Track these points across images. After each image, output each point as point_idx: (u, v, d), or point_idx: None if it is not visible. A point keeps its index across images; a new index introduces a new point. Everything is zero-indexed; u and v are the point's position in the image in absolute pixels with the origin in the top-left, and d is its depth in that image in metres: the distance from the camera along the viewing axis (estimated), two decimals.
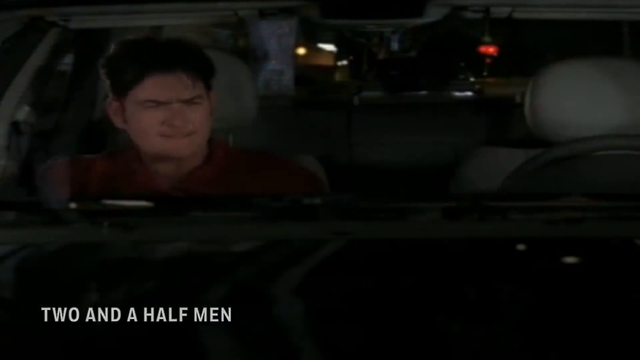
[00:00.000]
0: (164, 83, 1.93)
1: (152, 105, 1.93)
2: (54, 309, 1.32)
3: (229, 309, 1.31)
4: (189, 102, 1.94)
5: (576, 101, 2.18)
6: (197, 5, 2.36)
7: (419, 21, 2.35)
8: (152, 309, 1.31)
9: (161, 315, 1.29)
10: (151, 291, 1.40)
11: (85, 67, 3.10)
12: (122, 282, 1.42)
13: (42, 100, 2.75)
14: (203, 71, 1.99)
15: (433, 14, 2.25)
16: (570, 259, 1.52)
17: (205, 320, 1.28)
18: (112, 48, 2.01)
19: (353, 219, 1.64)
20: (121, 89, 1.97)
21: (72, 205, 1.71)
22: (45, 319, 1.29)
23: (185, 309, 1.29)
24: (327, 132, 3.69)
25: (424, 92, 6.31)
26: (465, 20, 2.46)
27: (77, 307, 1.34)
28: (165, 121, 1.92)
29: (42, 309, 1.32)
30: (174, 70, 1.94)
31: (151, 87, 1.93)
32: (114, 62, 1.99)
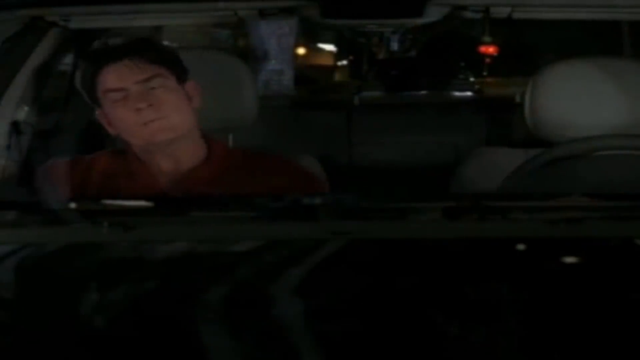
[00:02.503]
0: (115, 71, 1.97)
1: (115, 98, 1.96)
2: (54, 309, 1.33)
3: (229, 308, 1.31)
4: (146, 82, 1.96)
5: (576, 101, 2.18)
6: (197, 5, 2.36)
7: (419, 21, 2.34)
8: (152, 309, 1.32)
9: (161, 315, 1.29)
10: (151, 291, 1.40)
11: None
12: (122, 282, 1.42)
13: (42, 100, 2.75)
14: (159, 59, 2.00)
15: (433, 14, 2.25)
16: (570, 259, 1.52)
17: (206, 320, 1.28)
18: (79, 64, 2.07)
19: (353, 219, 1.64)
20: (93, 95, 2.02)
21: (72, 205, 1.71)
22: (45, 319, 1.29)
23: (186, 309, 1.29)
24: (327, 132, 3.69)
25: (424, 92, 6.30)
26: (465, 20, 2.45)
27: (77, 307, 1.34)
28: (132, 108, 1.95)
29: (42, 309, 1.32)
30: (122, 58, 1.98)
31: (105, 78, 1.98)
32: (81, 74, 2.05)
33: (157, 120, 1.95)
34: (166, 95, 1.97)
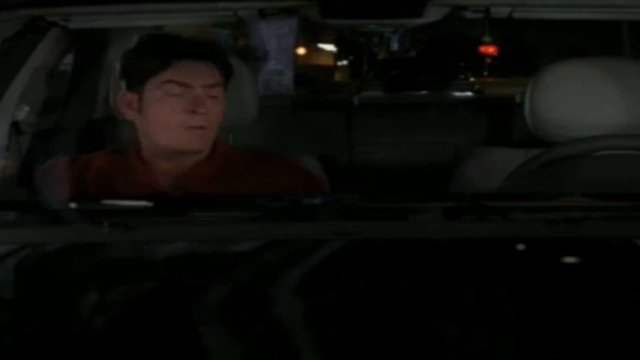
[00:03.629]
0: (193, 68, 1.97)
1: (174, 92, 1.95)
2: (54, 309, 1.32)
3: (229, 309, 1.31)
4: (211, 89, 1.97)
5: (576, 101, 2.18)
6: (197, 5, 2.35)
7: (419, 21, 2.34)
8: (152, 309, 1.32)
9: (161, 316, 1.29)
10: (151, 291, 1.40)
11: (85, 67, 3.11)
12: (122, 282, 1.42)
13: (42, 100, 2.75)
14: (225, 70, 2.03)
15: (433, 14, 2.25)
16: (570, 259, 1.52)
17: (205, 320, 1.28)
18: (135, 40, 2.04)
19: (353, 219, 1.64)
20: (142, 78, 1.98)
21: (72, 205, 1.71)
22: (45, 319, 1.29)
23: (185, 309, 1.30)
24: (327, 132, 3.69)
25: (424, 92, 6.31)
26: (465, 20, 2.45)
27: (77, 307, 1.34)
28: (187, 108, 1.94)
29: (42, 309, 1.32)
30: (204, 59, 1.98)
31: (178, 71, 1.96)
32: (138, 51, 2.02)
33: (202, 129, 1.96)
34: (218, 108, 1.99)
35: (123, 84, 2.02)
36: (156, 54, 1.98)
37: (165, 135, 1.97)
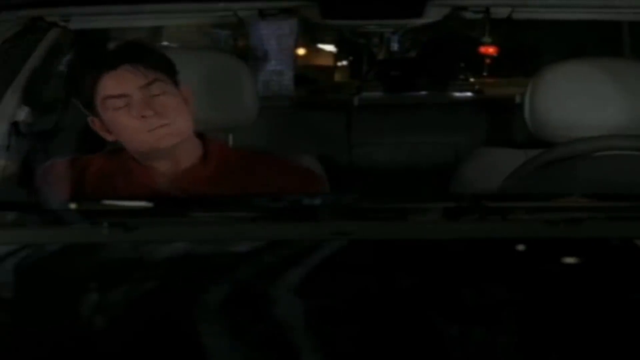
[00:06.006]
0: (116, 77, 1.96)
1: (117, 106, 1.95)
2: (53, 309, 1.33)
3: (229, 309, 1.31)
4: (149, 88, 1.95)
5: (576, 101, 2.18)
6: (197, 6, 2.36)
7: (419, 21, 2.34)
8: (152, 310, 1.32)
9: (161, 316, 1.29)
10: (151, 291, 1.40)
11: None
12: (122, 282, 1.42)
13: (42, 100, 2.75)
14: (157, 64, 2.00)
15: (433, 14, 2.25)
16: (570, 259, 1.52)
17: (205, 320, 1.28)
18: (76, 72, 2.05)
19: (353, 219, 1.64)
20: (90, 103, 2.00)
21: (72, 205, 1.71)
22: (45, 320, 1.29)
23: (185, 309, 1.30)
24: (327, 132, 3.69)
25: (424, 92, 6.30)
26: (465, 20, 2.46)
27: (76, 307, 1.34)
28: (137, 115, 1.93)
29: (42, 309, 1.33)
30: (121, 65, 1.96)
31: (106, 85, 1.96)
32: (77, 81, 2.03)
33: (163, 126, 1.94)
34: (169, 101, 1.96)
35: (86, 112, 2.03)
36: (85, 78, 1.99)
37: (138, 143, 1.98)
